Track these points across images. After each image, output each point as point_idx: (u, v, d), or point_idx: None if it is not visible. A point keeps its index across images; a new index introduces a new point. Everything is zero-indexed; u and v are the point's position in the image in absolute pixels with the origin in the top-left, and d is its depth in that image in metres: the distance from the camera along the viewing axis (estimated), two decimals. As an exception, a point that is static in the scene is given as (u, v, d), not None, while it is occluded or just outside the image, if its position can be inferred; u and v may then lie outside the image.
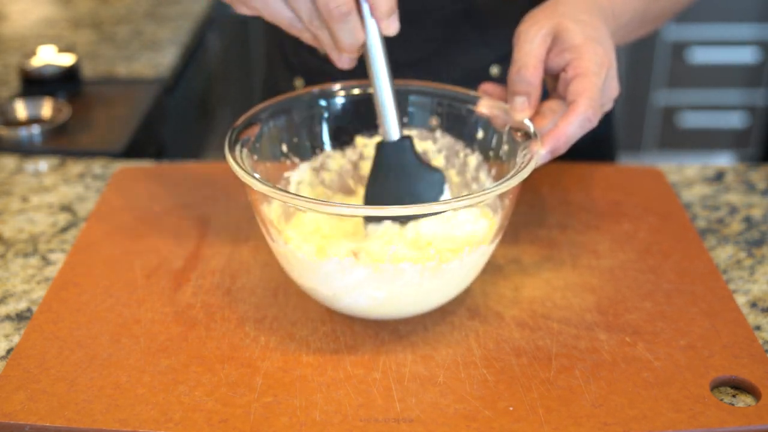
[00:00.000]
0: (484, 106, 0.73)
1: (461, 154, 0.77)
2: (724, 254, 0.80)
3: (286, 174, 0.77)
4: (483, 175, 0.76)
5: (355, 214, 0.64)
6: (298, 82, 1.00)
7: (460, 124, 0.77)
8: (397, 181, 0.71)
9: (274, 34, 1.04)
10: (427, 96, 0.77)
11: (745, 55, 2.39)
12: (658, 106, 2.47)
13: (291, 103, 0.75)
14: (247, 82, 2.26)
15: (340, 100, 0.77)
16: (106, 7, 1.62)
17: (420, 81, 0.78)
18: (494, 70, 0.92)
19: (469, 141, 0.76)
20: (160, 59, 1.39)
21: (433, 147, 0.78)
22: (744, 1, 2.33)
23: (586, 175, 0.90)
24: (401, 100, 0.76)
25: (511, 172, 0.64)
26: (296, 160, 0.77)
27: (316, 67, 0.97)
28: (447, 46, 0.92)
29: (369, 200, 0.72)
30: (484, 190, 0.61)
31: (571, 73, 0.68)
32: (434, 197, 0.71)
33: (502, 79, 0.91)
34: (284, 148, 0.76)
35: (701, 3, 2.32)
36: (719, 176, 0.93)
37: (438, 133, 0.78)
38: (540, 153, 0.66)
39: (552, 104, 0.70)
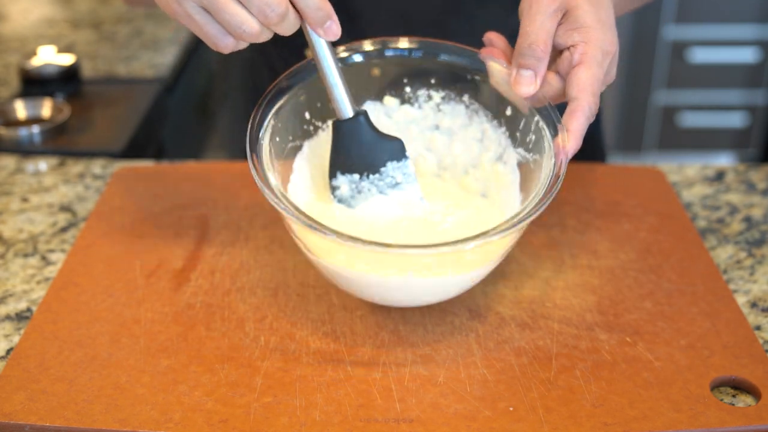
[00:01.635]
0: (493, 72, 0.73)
1: (486, 125, 0.76)
2: (724, 254, 0.80)
3: (306, 142, 0.76)
4: (508, 160, 0.75)
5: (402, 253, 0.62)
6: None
7: (486, 95, 0.76)
8: (359, 155, 0.72)
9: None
10: (454, 56, 0.76)
11: (745, 55, 2.39)
12: (658, 106, 2.47)
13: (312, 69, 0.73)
14: (247, 82, 2.25)
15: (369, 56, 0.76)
16: (106, 7, 1.62)
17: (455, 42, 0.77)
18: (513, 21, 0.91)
19: (496, 114, 0.75)
20: (160, 59, 1.39)
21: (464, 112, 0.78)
22: (744, 1, 2.33)
23: (586, 175, 0.90)
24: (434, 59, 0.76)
25: (539, 200, 0.64)
26: (320, 123, 0.76)
27: None
28: (463, 1, 0.90)
29: (333, 175, 0.72)
30: (512, 218, 0.62)
31: (576, 57, 0.67)
32: (403, 164, 0.73)
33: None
34: (307, 115, 0.75)
35: (701, 3, 2.32)
36: (719, 176, 0.93)
37: (466, 98, 0.77)
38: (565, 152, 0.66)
39: (550, 78, 0.69)
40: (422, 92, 0.78)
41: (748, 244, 0.81)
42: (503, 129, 0.74)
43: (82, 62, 1.31)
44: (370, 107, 0.77)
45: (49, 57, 1.23)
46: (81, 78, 1.25)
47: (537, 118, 0.70)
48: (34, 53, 1.24)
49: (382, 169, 0.72)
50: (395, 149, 0.73)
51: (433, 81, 0.77)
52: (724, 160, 2.54)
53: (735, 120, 2.48)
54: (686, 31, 2.37)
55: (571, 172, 0.91)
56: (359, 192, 0.72)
